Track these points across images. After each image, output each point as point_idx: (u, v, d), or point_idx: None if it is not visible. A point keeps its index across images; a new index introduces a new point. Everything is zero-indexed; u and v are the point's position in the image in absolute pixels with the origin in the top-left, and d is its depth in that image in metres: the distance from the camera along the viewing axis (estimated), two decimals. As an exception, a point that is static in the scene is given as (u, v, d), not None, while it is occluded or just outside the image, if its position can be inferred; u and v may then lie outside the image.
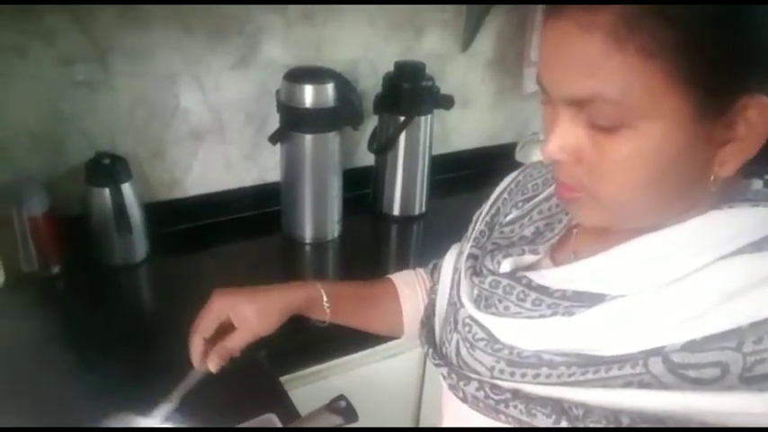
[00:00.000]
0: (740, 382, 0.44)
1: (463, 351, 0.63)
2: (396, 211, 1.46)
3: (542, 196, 0.68)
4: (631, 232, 0.54)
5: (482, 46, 1.56)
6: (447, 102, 1.38)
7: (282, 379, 0.97)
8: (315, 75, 1.22)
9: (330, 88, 1.21)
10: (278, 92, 1.25)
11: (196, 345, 0.74)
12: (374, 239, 1.47)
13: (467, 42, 1.52)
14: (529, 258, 0.63)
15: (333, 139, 1.26)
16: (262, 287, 0.77)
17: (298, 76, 1.21)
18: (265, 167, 1.40)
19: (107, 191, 1.13)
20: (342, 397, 0.78)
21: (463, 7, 1.48)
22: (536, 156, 1.64)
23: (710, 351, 0.46)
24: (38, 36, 1.09)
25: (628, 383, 0.49)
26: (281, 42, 1.30)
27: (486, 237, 0.71)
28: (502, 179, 0.76)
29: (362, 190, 1.49)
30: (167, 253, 1.25)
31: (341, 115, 1.25)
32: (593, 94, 0.46)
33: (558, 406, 0.51)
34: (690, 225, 0.51)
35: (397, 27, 1.42)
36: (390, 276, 0.88)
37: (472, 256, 0.68)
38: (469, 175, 1.65)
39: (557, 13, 0.47)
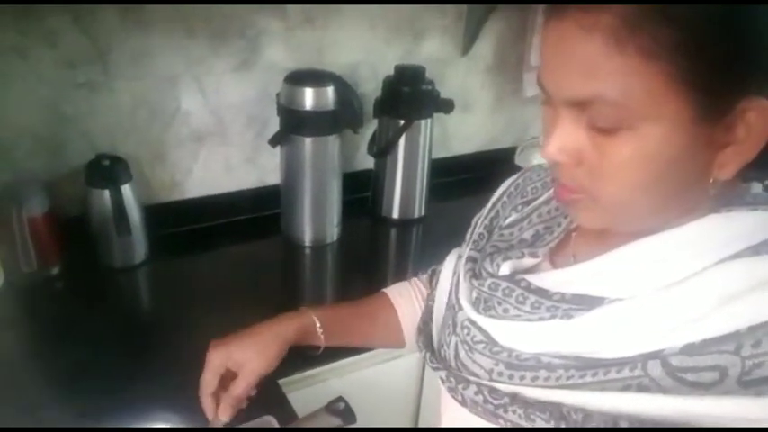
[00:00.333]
0: (738, 386, 0.44)
1: (462, 353, 0.63)
2: (395, 215, 1.46)
3: (542, 199, 0.68)
4: (630, 235, 0.54)
5: (482, 50, 1.57)
6: (447, 106, 1.38)
7: (281, 381, 0.96)
8: (315, 78, 1.22)
9: (330, 91, 1.21)
10: (278, 95, 1.25)
11: (206, 403, 0.75)
12: (373, 243, 1.47)
13: (467, 47, 1.53)
14: (528, 261, 0.63)
15: (333, 142, 1.27)
16: (255, 328, 0.77)
17: (298, 79, 1.22)
18: (265, 170, 1.40)
19: (107, 192, 1.13)
20: (340, 398, 0.78)
21: (463, 12, 1.49)
22: (536, 160, 1.64)
23: (709, 354, 0.46)
24: (39, 38, 1.09)
25: (626, 387, 0.49)
26: (283, 46, 1.31)
27: (486, 240, 0.71)
28: (501, 183, 0.77)
29: (362, 193, 1.49)
30: (167, 255, 1.25)
31: (341, 118, 1.25)
32: (593, 96, 0.46)
33: (557, 410, 0.51)
34: (689, 228, 0.51)
35: (397, 31, 1.43)
36: (384, 290, 0.88)
37: (471, 259, 0.68)
38: (469, 179, 1.65)
39: (558, 14, 0.47)
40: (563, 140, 0.50)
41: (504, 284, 0.60)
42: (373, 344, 0.87)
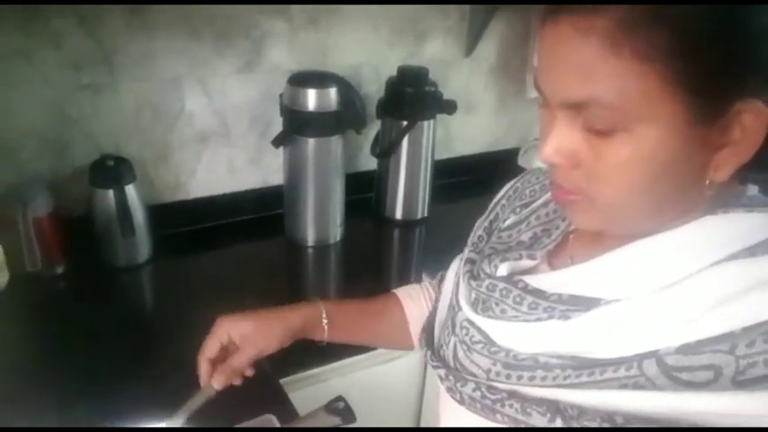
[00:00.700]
0: (733, 386, 0.44)
1: (460, 353, 0.64)
2: (398, 216, 1.46)
3: (540, 202, 0.69)
4: (627, 237, 0.54)
5: (485, 52, 1.57)
6: (450, 107, 1.39)
7: (283, 381, 0.97)
8: (318, 79, 1.23)
9: (333, 92, 1.22)
10: (281, 96, 1.26)
11: (202, 367, 0.76)
12: (376, 243, 1.47)
13: (470, 48, 1.53)
14: (526, 263, 0.63)
15: (336, 142, 1.27)
16: (264, 311, 0.78)
17: (301, 80, 1.22)
18: (269, 171, 1.41)
19: (111, 192, 1.14)
20: (340, 398, 0.79)
21: (466, 13, 1.49)
22: (538, 162, 1.64)
23: (704, 354, 0.46)
24: (44, 40, 1.10)
25: (622, 386, 0.49)
26: (286, 47, 1.31)
27: (485, 242, 0.71)
28: (504, 184, 0.77)
29: (365, 194, 1.49)
30: (170, 254, 1.26)
31: (344, 119, 1.26)
32: (589, 98, 0.46)
33: (554, 406, 0.52)
34: (685, 230, 0.51)
35: (400, 32, 1.43)
36: (394, 291, 0.88)
37: (470, 261, 0.69)
38: (472, 181, 1.65)
39: (554, 17, 0.48)
40: (559, 142, 0.50)
41: (501, 285, 0.61)
42: (379, 343, 0.87)
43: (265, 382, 0.93)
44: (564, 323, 0.54)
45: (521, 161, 1.70)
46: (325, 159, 1.27)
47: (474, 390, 0.58)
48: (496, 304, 0.60)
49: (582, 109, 0.48)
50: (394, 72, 1.37)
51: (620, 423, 0.48)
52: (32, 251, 1.11)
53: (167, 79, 1.23)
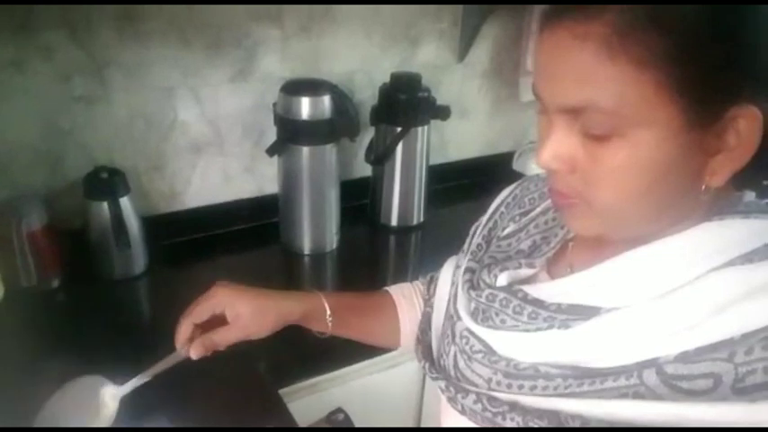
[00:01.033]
0: (732, 393, 0.45)
1: (461, 363, 0.64)
2: (393, 222, 1.46)
3: (539, 210, 0.69)
4: (626, 245, 0.54)
5: (478, 56, 1.57)
6: (443, 112, 1.39)
7: (282, 391, 0.97)
8: (311, 87, 1.23)
9: (327, 100, 1.22)
10: (275, 104, 1.26)
11: (184, 328, 0.73)
12: (372, 250, 1.47)
13: (463, 53, 1.53)
14: (525, 272, 0.63)
15: (330, 150, 1.27)
16: (264, 290, 0.76)
17: (294, 88, 1.22)
18: (263, 179, 1.41)
19: (105, 204, 1.13)
20: (340, 410, 0.78)
21: (459, 18, 1.49)
22: (533, 165, 1.65)
23: (703, 362, 0.46)
24: (36, 51, 1.09)
25: (623, 395, 0.49)
26: (279, 55, 1.31)
27: (484, 250, 0.71)
28: (499, 189, 0.77)
29: (360, 201, 1.49)
30: (166, 265, 1.26)
31: (338, 127, 1.25)
32: (585, 103, 0.47)
33: (555, 418, 0.52)
34: (682, 237, 0.51)
35: (393, 39, 1.43)
36: (387, 288, 0.88)
37: (469, 270, 0.69)
38: (467, 185, 1.65)
39: (553, 23, 0.48)
40: (557, 148, 0.50)
41: (501, 295, 0.61)
42: (369, 338, 0.86)
43: (264, 393, 0.93)
44: (564, 332, 0.54)
45: (515, 165, 1.70)
46: (319, 167, 1.27)
47: (475, 402, 0.58)
48: (496, 314, 0.60)
49: (579, 114, 0.48)
50: (387, 78, 1.37)
51: None
52: (27, 266, 1.10)
53: (160, 89, 1.23)
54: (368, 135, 1.44)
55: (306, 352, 1.00)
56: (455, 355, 0.65)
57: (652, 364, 0.48)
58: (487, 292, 0.62)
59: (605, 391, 0.50)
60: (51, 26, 1.09)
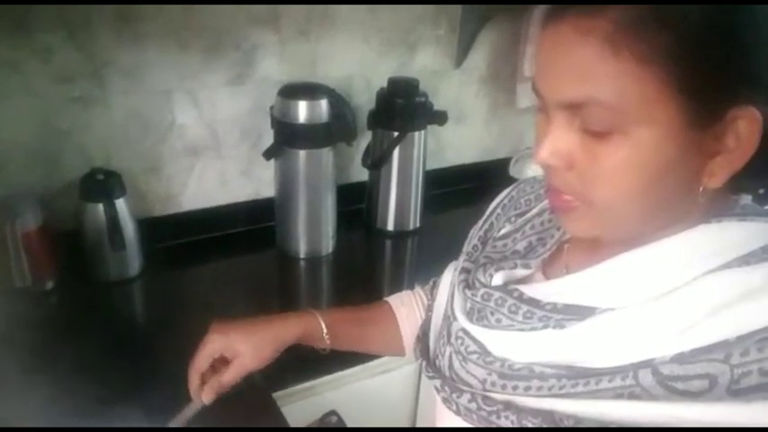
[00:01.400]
0: (728, 395, 0.44)
1: (456, 364, 0.63)
2: (390, 227, 1.46)
3: (535, 211, 0.69)
4: (621, 246, 0.54)
5: (476, 62, 1.58)
6: (440, 117, 1.39)
7: (275, 395, 0.96)
8: (309, 91, 1.23)
9: (324, 104, 1.22)
10: (272, 108, 1.26)
11: (193, 380, 0.76)
12: (368, 255, 1.47)
13: (460, 58, 1.54)
14: (521, 272, 0.63)
15: (327, 154, 1.27)
16: (259, 321, 0.78)
17: (292, 92, 1.22)
18: (260, 183, 1.41)
19: (101, 206, 1.13)
20: (333, 412, 0.78)
21: (457, 23, 1.50)
22: (530, 171, 1.65)
23: (699, 363, 0.46)
24: (33, 53, 1.09)
25: (618, 395, 0.49)
26: (276, 59, 1.31)
27: (479, 251, 0.71)
28: (496, 194, 0.77)
29: (357, 205, 1.49)
30: (162, 268, 1.25)
31: (335, 131, 1.25)
32: (587, 98, 0.47)
33: (549, 417, 0.52)
34: (679, 239, 0.51)
35: (391, 44, 1.44)
36: (386, 299, 0.88)
37: (465, 270, 0.69)
38: (464, 190, 1.65)
39: (555, 19, 0.48)
40: (555, 144, 0.50)
41: (496, 294, 0.61)
42: (372, 350, 0.87)
43: (257, 397, 0.93)
44: (559, 332, 0.54)
45: (512, 171, 1.70)
46: (316, 171, 1.27)
47: (470, 401, 0.58)
48: (492, 314, 0.60)
49: (579, 109, 0.48)
50: (384, 83, 1.37)
51: None
52: (21, 266, 1.09)
53: (157, 92, 1.23)
54: (365, 139, 1.44)
55: (299, 355, 0.99)
56: (450, 356, 0.65)
57: (647, 364, 0.48)
58: (483, 291, 0.62)
59: (600, 391, 0.50)
60: (49, 27, 1.09)
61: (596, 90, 0.46)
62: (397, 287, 1.32)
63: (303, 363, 1.02)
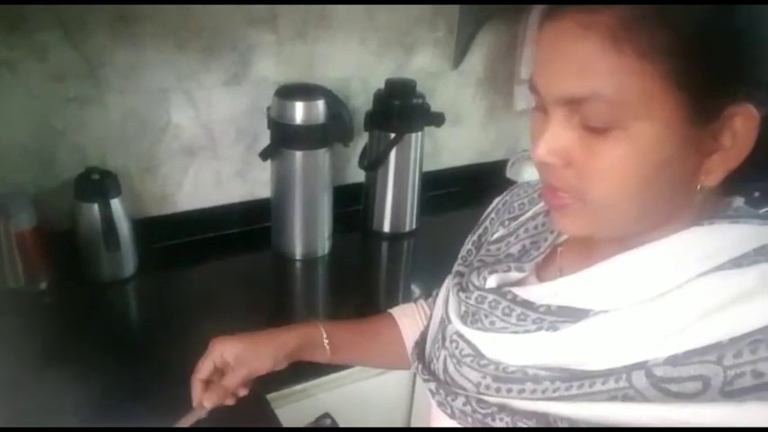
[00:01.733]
0: (721, 397, 0.44)
1: (450, 367, 0.63)
2: (386, 228, 1.46)
3: (528, 215, 0.69)
4: (614, 248, 0.54)
5: (473, 64, 1.58)
6: (437, 119, 1.39)
7: (269, 396, 0.96)
8: (305, 92, 1.23)
9: (321, 105, 1.22)
10: (269, 108, 1.25)
11: (195, 387, 0.75)
12: (364, 256, 1.47)
13: (458, 60, 1.54)
14: (515, 275, 0.63)
15: (323, 155, 1.27)
16: (261, 333, 0.78)
17: (288, 92, 1.22)
18: (256, 184, 1.40)
19: (96, 206, 1.12)
20: (327, 415, 0.78)
21: (455, 25, 1.50)
22: (527, 173, 1.65)
23: (692, 365, 0.46)
24: (29, 52, 1.09)
25: (612, 398, 0.49)
26: (273, 60, 1.31)
27: (474, 255, 0.71)
28: (493, 196, 0.77)
29: (353, 206, 1.49)
30: (157, 268, 1.25)
31: (331, 132, 1.25)
32: (588, 93, 0.47)
33: (544, 419, 0.52)
34: (671, 241, 0.51)
35: (388, 45, 1.44)
36: (390, 310, 0.88)
37: (459, 274, 0.69)
38: (460, 192, 1.65)
39: (556, 15, 0.48)
40: (553, 141, 0.50)
41: (490, 297, 0.60)
42: (376, 363, 0.87)
43: (251, 398, 0.92)
44: (553, 334, 0.54)
45: (509, 173, 1.70)
46: (312, 172, 1.27)
47: (464, 404, 0.57)
48: (486, 316, 0.60)
49: (579, 105, 0.48)
50: (382, 84, 1.37)
51: None
52: (15, 266, 1.09)
53: (154, 91, 1.22)
54: (361, 141, 1.44)
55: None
56: (445, 359, 0.64)
57: (641, 366, 0.48)
58: (477, 294, 0.62)
59: (594, 394, 0.50)
60: (46, 26, 1.09)
61: (598, 85, 0.46)
62: (393, 288, 1.32)
63: (297, 364, 1.02)
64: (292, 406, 1.02)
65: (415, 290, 1.28)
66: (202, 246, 1.35)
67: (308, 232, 1.31)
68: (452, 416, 0.60)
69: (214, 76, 1.27)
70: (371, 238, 1.47)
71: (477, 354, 0.60)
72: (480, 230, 0.74)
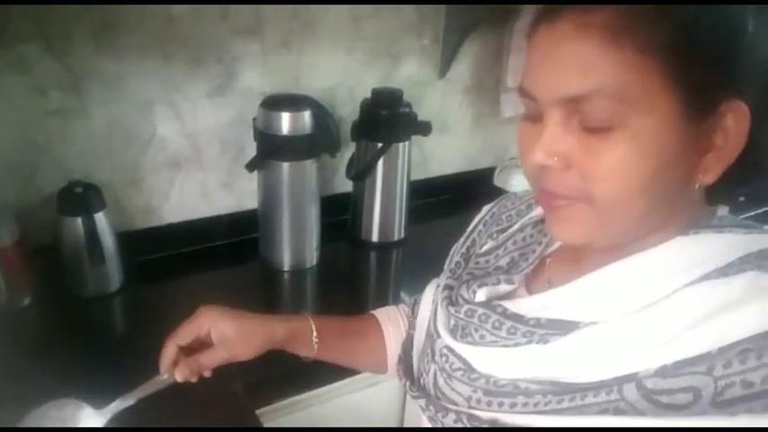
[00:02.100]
0: (712, 407, 0.44)
1: (440, 381, 0.63)
2: (374, 238, 1.45)
3: (516, 227, 0.69)
4: (603, 258, 0.54)
5: (459, 72, 1.58)
6: (424, 128, 1.39)
7: (259, 412, 0.95)
8: (292, 102, 1.22)
9: (307, 115, 1.21)
10: (255, 119, 1.25)
11: (168, 350, 0.72)
12: (353, 266, 1.46)
13: (444, 69, 1.54)
14: (504, 288, 0.63)
15: (310, 166, 1.26)
16: (251, 315, 0.75)
17: (274, 103, 1.21)
18: (243, 195, 1.39)
19: (79, 220, 1.11)
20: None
21: (440, 34, 1.50)
22: (514, 180, 1.65)
23: (682, 376, 0.46)
24: (10, 65, 1.08)
25: (603, 410, 0.49)
26: (259, 70, 1.31)
27: (462, 268, 0.71)
28: (481, 204, 0.77)
29: (341, 217, 1.48)
30: (143, 282, 1.23)
31: (318, 142, 1.25)
32: (590, 90, 0.47)
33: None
34: (658, 251, 0.52)
35: (374, 54, 1.43)
36: (374, 312, 0.87)
37: (448, 287, 0.68)
38: (448, 201, 1.65)
39: (551, 17, 0.49)
40: (551, 143, 0.49)
41: (480, 311, 0.60)
42: (357, 363, 0.85)
43: (240, 414, 0.91)
44: (543, 347, 0.54)
45: (497, 180, 1.70)
46: (299, 183, 1.26)
47: (455, 421, 0.57)
48: (475, 330, 0.60)
49: (581, 104, 0.47)
50: (368, 94, 1.37)
51: None
52: (-3, 282, 1.07)
53: (138, 103, 1.21)
54: (349, 151, 1.43)
55: (284, 370, 0.98)
56: (435, 374, 0.64)
57: (632, 378, 0.48)
58: (466, 307, 0.61)
59: (586, 407, 0.50)
60: (27, 38, 1.07)
61: (600, 81, 0.46)
62: (382, 298, 1.32)
63: (286, 378, 1.01)
64: (282, 420, 1.01)
65: (405, 299, 1.27)
66: (189, 258, 1.34)
67: (296, 243, 1.30)
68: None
69: (199, 87, 1.26)
70: (360, 248, 1.47)
71: (468, 368, 0.59)
72: (468, 242, 0.74)
